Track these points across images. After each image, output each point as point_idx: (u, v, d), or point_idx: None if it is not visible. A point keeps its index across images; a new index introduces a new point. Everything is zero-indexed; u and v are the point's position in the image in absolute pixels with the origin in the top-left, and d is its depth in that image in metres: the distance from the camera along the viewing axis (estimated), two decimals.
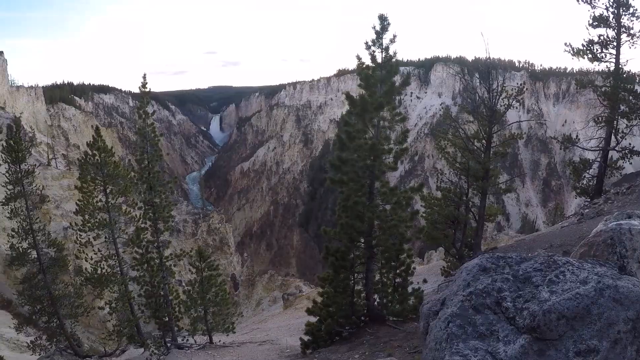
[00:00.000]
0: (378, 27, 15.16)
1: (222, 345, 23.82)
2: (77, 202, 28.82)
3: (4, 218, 55.07)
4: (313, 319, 16.79)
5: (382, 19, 15.13)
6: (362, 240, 16.41)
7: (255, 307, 62.46)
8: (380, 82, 15.37)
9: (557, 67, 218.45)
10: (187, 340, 24.37)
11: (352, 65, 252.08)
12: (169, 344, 23.89)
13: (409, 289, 16.75)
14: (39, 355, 30.72)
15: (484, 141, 22.22)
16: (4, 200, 29.25)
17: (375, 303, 16.96)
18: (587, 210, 24.66)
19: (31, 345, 31.29)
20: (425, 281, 19.72)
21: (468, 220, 23.80)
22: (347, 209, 15.51)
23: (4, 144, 29.38)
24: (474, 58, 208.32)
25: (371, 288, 16.80)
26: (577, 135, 29.82)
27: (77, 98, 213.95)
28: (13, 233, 29.49)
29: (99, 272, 28.77)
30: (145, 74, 24.29)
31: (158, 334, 24.93)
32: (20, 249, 29.26)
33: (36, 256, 29.45)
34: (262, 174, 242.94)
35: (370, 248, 16.40)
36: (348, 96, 15.94)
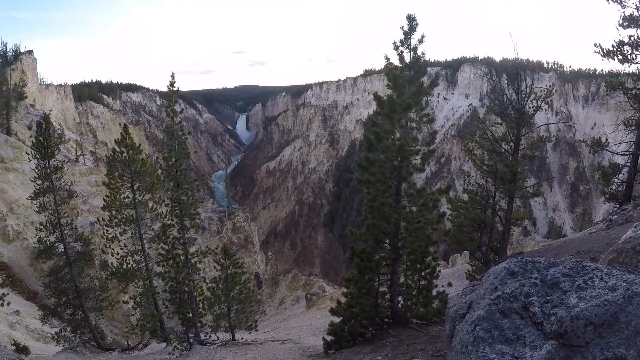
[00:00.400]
0: (406, 27, 15.07)
1: (244, 342, 23.94)
2: (105, 198, 29.29)
3: (32, 212, 56.28)
4: (336, 319, 16.73)
5: (410, 19, 15.03)
6: (388, 241, 16.29)
7: (278, 305, 62.68)
8: (409, 82, 15.28)
9: (586, 69, 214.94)
10: (210, 336, 24.55)
11: (378, 65, 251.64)
12: (191, 340, 24.09)
13: (434, 292, 16.62)
14: (63, 346, 31.26)
15: (512, 143, 21.95)
16: (33, 195, 29.84)
17: (399, 305, 16.86)
18: (615, 216, 24.16)
19: (55, 337, 31.85)
20: (450, 284, 19.55)
21: (494, 224, 23.56)
22: (374, 209, 15.43)
23: (34, 140, 29.98)
24: (502, 59, 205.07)
25: (396, 290, 16.70)
26: (606, 139, 29.26)
27: (105, 96, 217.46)
28: (41, 227, 30.07)
29: (124, 266, 29.24)
30: (173, 73, 24.48)
31: (181, 329, 25.16)
32: (48, 243, 29.84)
33: (63, 250, 30.00)
34: (288, 173, 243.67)
35: (395, 250, 16.29)
36: (376, 97, 15.88)
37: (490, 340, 5.12)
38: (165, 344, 29.31)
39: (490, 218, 23.08)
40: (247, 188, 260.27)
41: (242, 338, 24.79)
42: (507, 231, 23.37)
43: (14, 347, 25.48)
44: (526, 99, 21.55)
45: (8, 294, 24.51)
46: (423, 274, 16.44)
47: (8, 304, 24.49)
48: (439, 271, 17.23)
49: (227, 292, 22.99)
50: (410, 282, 16.76)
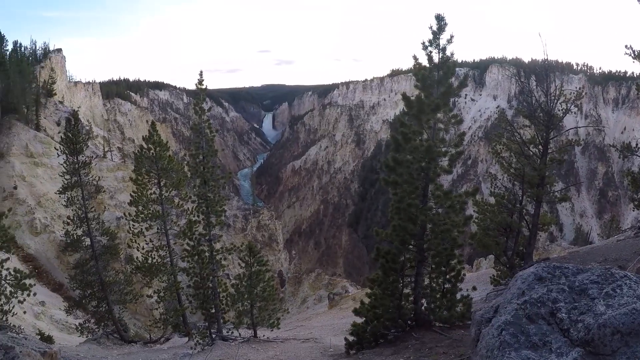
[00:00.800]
0: (435, 27, 14.96)
1: (266, 340, 24.03)
2: (132, 193, 29.72)
3: (59, 206, 57.52)
4: (359, 320, 16.67)
5: (439, 19, 14.93)
6: (414, 243, 16.19)
7: (301, 304, 62.75)
8: (437, 83, 15.18)
9: (616, 71, 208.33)
10: (232, 332, 24.67)
11: (405, 65, 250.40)
12: (214, 335, 24.24)
13: (458, 296, 16.48)
14: (87, 337, 31.81)
15: (540, 147, 21.63)
16: (61, 189, 30.46)
17: (423, 308, 16.76)
18: None
19: (79, 328, 32.49)
20: (474, 288, 19.36)
21: (521, 229, 23.26)
22: (400, 210, 15.32)
23: (63, 136, 30.57)
24: (530, 59, 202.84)
25: (420, 292, 16.60)
26: (637, 144, 28.64)
27: (132, 94, 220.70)
28: (68, 220, 30.68)
29: (149, 261, 29.69)
30: (201, 71, 24.63)
31: (203, 324, 25.34)
32: (75, 236, 30.45)
33: (89, 243, 30.58)
34: (313, 172, 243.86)
35: (421, 251, 16.20)
36: (404, 97, 15.77)
37: (517, 345, 5.07)
38: (187, 338, 29.59)
39: (517, 222, 22.77)
40: (272, 186, 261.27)
41: (263, 335, 24.89)
42: (533, 236, 23.06)
43: (39, 337, 25.93)
44: (555, 101, 21.21)
45: (34, 285, 24.99)
46: (448, 277, 16.33)
47: (34, 294, 24.96)
48: (464, 275, 17.09)
49: (251, 289, 23.09)
50: (434, 285, 16.66)
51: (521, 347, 5.04)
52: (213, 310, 24.59)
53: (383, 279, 15.92)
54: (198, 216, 24.91)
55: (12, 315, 24.67)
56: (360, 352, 16.26)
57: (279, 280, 76.94)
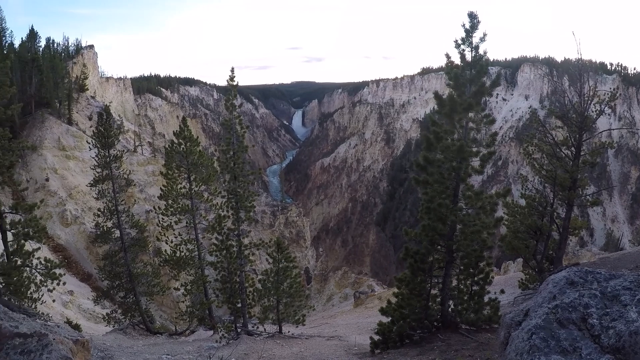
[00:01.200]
0: (467, 25, 14.79)
1: (291, 336, 24.07)
2: (162, 187, 30.14)
3: (90, 198, 58.69)
4: (385, 319, 16.57)
5: (472, 16, 14.75)
6: (443, 243, 16.05)
7: (326, 302, 62.82)
8: (470, 81, 15.01)
9: None
10: (257, 327, 24.80)
11: (436, 63, 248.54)
12: (239, 330, 24.40)
13: (485, 298, 16.27)
14: (113, 327, 32.31)
15: (572, 149, 21.23)
16: (92, 182, 31.00)
17: (450, 309, 16.60)
18: None
19: (106, 317, 33.04)
20: (502, 292, 19.15)
21: (551, 232, 22.88)
22: (430, 210, 15.18)
23: (95, 130, 31.13)
24: (563, 59, 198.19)
25: (447, 293, 16.43)
26: None
27: (163, 89, 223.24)
28: (99, 213, 31.25)
29: (177, 254, 30.07)
30: (233, 68, 24.83)
31: (229, 318, 25.48)
32: (105, 228, 31.02)
33: (119, 235, 31.04)
34: (342, 170, 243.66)
35: (450, 252, 16.04)
36: (437, 95, 15.62)
37: (547, 349, 4.99)
38: (212, 331, 29.86)
39: (547, 225, 22.41)
40: (301, 183, 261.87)
41: (288, 331, 24.95)
42: (563, 240, 22.68)
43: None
44: (589, 102, 20.76)
45: (64, 274, 25.45)
46: (476, 279, 16.14)
47: (64, 284, 25.43)
48: (492, 277, 16.89)
49: (278, 285, 23.16)
50: (462, 287, 16.48)
51: (551, 352, 4.96)
52: (239, 305, 24.74)
53: (411, 279, 15.80)
54: (227, 211, 25.10)
55: (41, 304, 25.17)
56: (385, 351, 16.18)
57: (305, 277, 77.21)
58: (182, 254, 30.36)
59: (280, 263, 23.12)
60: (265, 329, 24.77)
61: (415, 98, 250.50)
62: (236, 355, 18.78)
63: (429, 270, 15.99)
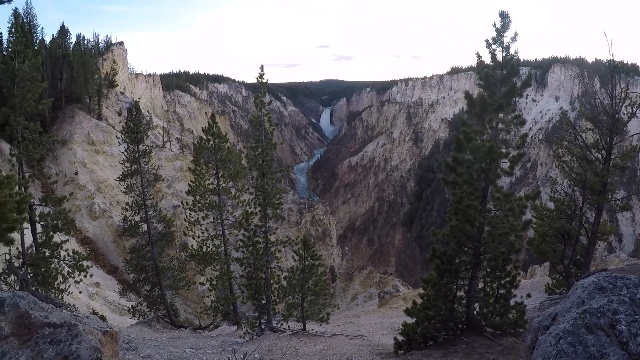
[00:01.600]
0: (499, 25, 14.63)
1: (315, 334, 24.09)
2: (190, 183, 30.47)
3: (118, 192, 59.62)
4: (409, 320, 16.47)
5: (503, 16, 14.59)
6: (470, 245, 15.88)
7: (350, 301, 62.83)
8: (500, 82, 14.84)
9: None
10: (281, 324, 24.90)
11: (465, 63, 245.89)
12: (263, 326, 24.53)
13: (511, 302, 16.04)
14: (138, 319, 32.71)
15: (603, 152, 20.79)
16: (121, 176, 31.50)
17: (475, 312, 16.44)
18: None
19: (132, 310, 33.49)
20: (529, 296, 18.87)
21: (579, 237, 22.47)
22: (458, 211, 15.05)
23: (124, 126, 31.65)
24: (594, 60, 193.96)
25: (473, 296, 16.25)
26: None
27: (192, 86, 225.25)
28: (127, 207, 31.71)
29: (204, 249, 30.31)
30: (262, 65, 25.01)
31: (253, 314, 25.61)
32: (133, 222, 31.49)
33: (146, 229, 31.44)
34: (370, 169, 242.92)
35: (477, 254, 15.86)
36: (467, 95, 15.44)
37: (574, 355, 4.92)
38: (235, 327, 30.06)
39: (576, 230, 22.00)
40: (328, 182, 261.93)
41: (312, 329, 25.00)
42: (592, 245, 22.24)
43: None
44: (620, 104, 20.29)
45: (91, 266, 25.95)
46: (502, 282, 15.93)
47: (91, 275, 25.92)
48: (519, 281, 16.68)
49: (303, 282, 23.20)
50: (488, 290, 16.27)
51: (578, 358, 4.89)
52: (264, 301, 24.88)
53: (437, 280, 15.70)
54: (255, 208, 25.23)
55: (68, 294, 25.65)
56: (408, 352, 16.09)
57: (330, 276, 77.21)
58: (209, 249, 30.64)
59: (306, 261, 23.16)
60: (289, 326, 24.84)
61: (444, 98, 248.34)
62: (260, 351, 18.84)
63: (456, 272, 15.86)
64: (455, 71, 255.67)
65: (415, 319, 16.21)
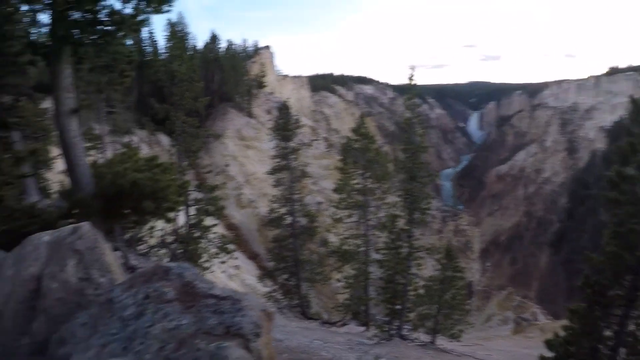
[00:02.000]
0: None
1: (443, 349, 23.55)
2: (337, 181, 31.23)
3: (265, 185, 62.50)
4: (547, 354, 14.85)
5: None
6: (628, 278, 13.85)
7: (484, 322, 60.60)
8: None
9: None
10: (411, 333, 24.60)
11: (625, 62, 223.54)
12: (392, 331, 24.35)
13: None
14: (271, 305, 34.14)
15: None
16: (271, 171, 33.47)
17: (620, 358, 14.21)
18: None
19: (267, 295, 35.08)
20: None
21: None
22: (618, 235, 13.41)
23: (275, 123, 33.74)
24: None
25: (622, 339, 14.13)
26: None
27: (338, 87, 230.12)
28: (274, 199, 33.55)
29: (344, 247, 30.90)
30: (412, 66, 25.43)
31: (383, 319, 25.54)
32: (279, 214, 33.20)
33: (290, 222, 32.99)
34: (519, 180, 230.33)
35: (634, 290, 13.79)
36: (632, 100, 13.94)
37: None
38: (363, 328, 30.16)
39: None
40: (474, 191, 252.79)
41: (441, 344, 24.41)
42: None
43: None
44: None
45: (235, 250, 27.78)
46: None
47: (236, 258, 27.92)
48: None
49: (441, 293, 22.75)
50: (639, 334, 14.05)
51: None
52: (398, 307, 24.68)
53: (586, 313, 14.14)
54: (402, 211, 25.13)
55: (210, 273, 27.54)
56: None
57: (468, 291, 75.10)
58: (349, 247, 31.16)
59: (447, 271, 22.66)
60: (419, 337, 24.46)
61: (601, 102, 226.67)
62: (388, 356, 18.75)
63: (607, 306, 14.15)
64: (613, 72, 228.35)
65: (554, 354, 14.71)
